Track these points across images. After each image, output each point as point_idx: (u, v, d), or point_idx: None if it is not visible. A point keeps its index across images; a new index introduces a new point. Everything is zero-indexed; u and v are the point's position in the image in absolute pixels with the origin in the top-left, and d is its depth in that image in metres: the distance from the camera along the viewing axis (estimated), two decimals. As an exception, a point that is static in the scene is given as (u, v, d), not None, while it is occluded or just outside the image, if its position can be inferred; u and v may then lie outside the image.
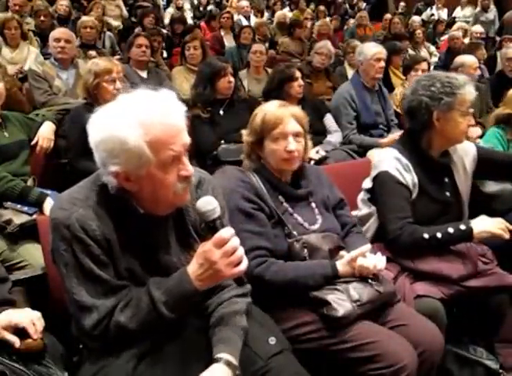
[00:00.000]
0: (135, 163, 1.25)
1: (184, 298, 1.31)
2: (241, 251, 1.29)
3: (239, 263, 1.29)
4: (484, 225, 2.00)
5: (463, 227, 2.00)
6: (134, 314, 1.30)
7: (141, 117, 1.24)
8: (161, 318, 1.30)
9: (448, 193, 2.18)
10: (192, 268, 1.31)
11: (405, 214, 2.05)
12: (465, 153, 2.25)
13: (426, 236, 2.00)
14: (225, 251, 1.27)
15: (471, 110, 2.12)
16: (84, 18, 5.31)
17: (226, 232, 1.29)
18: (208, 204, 1.31)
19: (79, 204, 1.31)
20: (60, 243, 1.30)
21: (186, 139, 1.32)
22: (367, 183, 2.23)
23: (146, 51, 4.27)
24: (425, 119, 2.10)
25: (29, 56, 4.55)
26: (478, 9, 9.43)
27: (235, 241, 1.29)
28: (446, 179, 2.20)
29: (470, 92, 2.08)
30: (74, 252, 1.29)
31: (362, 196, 2.28)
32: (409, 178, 2.10)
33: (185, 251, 1.43)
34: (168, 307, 1.30)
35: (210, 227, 1.30)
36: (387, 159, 2.14)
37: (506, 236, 1.97)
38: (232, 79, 3.42)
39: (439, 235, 2.00)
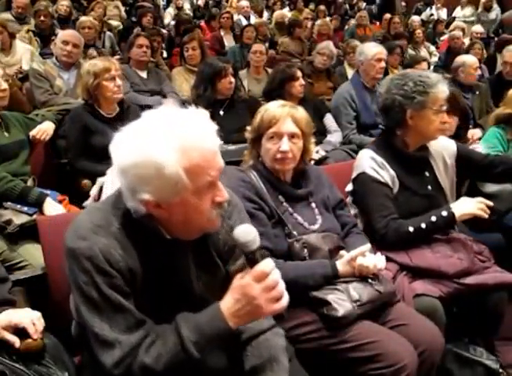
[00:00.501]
0: (169, 190, 1.15)
1: (216, 337, 1.19)
2: (282, 285, 1.20)
3: (279, 298, 1.19)
4: (464, 207, 2.08)
5: (444, 213, 2.06)
6: (160, 354, 1.18)
7: (179, 140, 1.13)
8: (190, 359, 1.18)
9: (429, 187, 2.21)
10: (227, 303, 1.19)
11: (388, 211, 2.08)
12: (444, 148, 2.29)
13: (411, 229, 2.04)
14: (267, 285, 1.16)
15: (444, 108, 2.15)
16: (82, 19, 5.30)
17: (267, 265, 1.18)
18: (248, 233, 1.19)
19: (101, 232, 1.20)
20: (81, 274, 1.19)
21: (222, 163, 1.22)
22: (349, 186, 2.26)
23: (146, 51, 4.28)
24: (399, 117, 2.14)
25: (24, 56, 4.50)
26: (480, 9, 9.39)
27: (276, 275, 1.19)
28: (427, 173, 2.23)
29: (442, 91, 2.12)
30: (97, 284, 1.18)
31: (347, 200, 2.29)
32: (386, 175, 2.13)
33: (206, 277, 1.35)
34: (198, 347, 1.18)
35: (249, 259, 1.19)
36: (363, 160, 2.18)
37: (486, 215, 2.04)
38: (232, 79, 3.42)
39: (423, 225, 2.05)
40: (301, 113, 1.92)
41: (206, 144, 1.17)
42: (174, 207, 1.18)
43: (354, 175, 2.22)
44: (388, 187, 2.13)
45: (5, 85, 2.64)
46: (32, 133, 2.79)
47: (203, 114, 1.22)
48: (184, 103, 4.04)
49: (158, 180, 1.13)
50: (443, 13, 10.93)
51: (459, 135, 2.76)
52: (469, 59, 4.41)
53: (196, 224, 1.24)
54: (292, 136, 1.87)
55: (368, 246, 1.82)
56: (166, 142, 1.13)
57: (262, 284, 1.16)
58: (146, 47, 4.29)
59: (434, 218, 2.06)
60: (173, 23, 8.63)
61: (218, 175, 1.22)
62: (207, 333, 1.18)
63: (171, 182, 1.14)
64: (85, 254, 1.18)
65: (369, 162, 2.15)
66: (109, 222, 1.23)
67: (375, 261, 1.79)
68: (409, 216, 2.09)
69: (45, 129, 2.86)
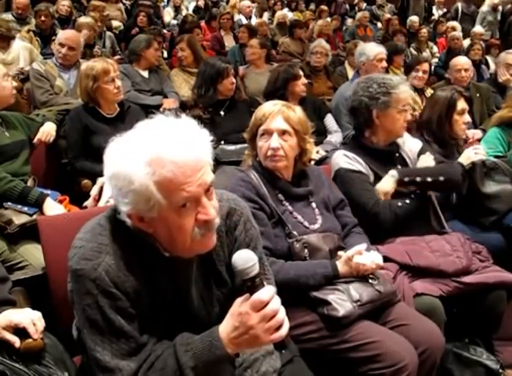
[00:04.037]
0: (143, 204, 1.11)
1: (214, 363, 1.16)
2: (282, 313, 1.14)
3: (279, 327, 1.14)
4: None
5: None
6: None
7: (150, 154, 1.09)
8: None
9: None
10: (226, 329, 1.16)
11: (373, 194, 2.19)
12: (412, 145, 2.45)
13: (399, 204, 2.17)
14: (264, 315, 1.11)
15: (407, 108, 2.32)
16: (80, 20, 5.29)
17: (266, 293, 1.12)
18: (246, 261, 1.13)
19: (105, 250, 1.18)
20: (85, 297, 1.16)
21: (206, 178, 1.14)
22: None
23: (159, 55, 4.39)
24: (366, 117, 2.31)
25: (21, 55, 4.46)
26: (487, 8, 9.28)
27: (275, 304, 1.13)
28: (399, 166, 2.34)
29: (404, 91, 2.30)
30: (101, 308, 1.16)
31: None
32: (360, 166, 2.25)
33: (211, 294, 1.34)
34: (196, 372, 1.16)
35: (247, 286, 1.13)
36: (337, 158, 2.30)
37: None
38: (234, 80, 3.42)
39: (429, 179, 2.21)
40: (294, 111, 1.92)
41: (182, 158, 1.10)
42: (155, 222, 1.16)
43: (332, 175, 2.30)
44: (365, 175, 2.24)
45: (14, 83, 2.64)
46: (37, 137, 2.80)
47: (191, 126, 1.17)
48: (184, 104, 4.06)
49: (131, 193, 1.11)
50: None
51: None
52: (461, 61, 4.25)
53: (181, 243, 1.18)
54: (282, 133, 1.87)
55: (364, 245, 1.82)
56: (137, 154, 1.09)
57: (260, 314, 1.12)
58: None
59: (442, 178, 2.23)
60: (173, 22, 8.65)
61: (201, 192, 1.14)
62: (205, 359, 1.16)
63: (142, 196, 1.10)
64: (90, 276, 1.15)
65: (343, 158, 2.28)
66: (111, 240, 1.20)
67: (372, 258, 1.79)
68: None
69: (48, 131, 2.87)
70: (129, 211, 1.14)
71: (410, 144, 2.44)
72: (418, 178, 2.22)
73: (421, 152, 2.41)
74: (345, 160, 2.27)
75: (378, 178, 2.26)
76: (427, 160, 2.33)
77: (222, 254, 1.34)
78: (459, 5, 9.74)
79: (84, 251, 1.18)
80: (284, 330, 1.15)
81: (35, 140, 2.80)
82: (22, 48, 4.52)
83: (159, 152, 1.09)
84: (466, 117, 2.74)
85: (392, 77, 2.34)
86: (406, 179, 2.21)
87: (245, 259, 1.13)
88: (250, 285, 1.13)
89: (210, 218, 1.17)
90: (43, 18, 5.36)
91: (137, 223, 1.17)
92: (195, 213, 1.15)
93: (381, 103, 2.26)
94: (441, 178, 2.24)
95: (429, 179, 2.22)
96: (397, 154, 2.38)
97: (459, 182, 2.38)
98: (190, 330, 1.24)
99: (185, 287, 1.29)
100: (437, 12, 10.89)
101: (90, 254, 1.17)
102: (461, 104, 2.74)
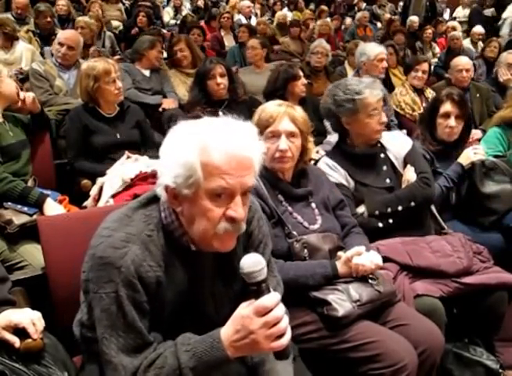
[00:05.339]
0: (184, 178, 1.17)
1: (214, 364, 1.17)
2: (285, 322, 1.13)
3: (281, 336, 1.13)
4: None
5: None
6: None
7: (205, 138, 1.17)
8: None
9: (388, 180, 2.28)
10: (228, 332, 1.16)
11: (352, 209, 2.14)
12: (401, 145, 2.35)
13: (380, 225, 2.16)
14: (266, 321, 1.11)
15: (377, 111, 2.23)
16: (77, 19, 5.30)
17: (270, 299, 1.12)
18: (255, 264, 1.12)
19: (132, 240, 1.20)
20: (105, 285, 1.18)
21: (247, 180, 1.20)
22: None
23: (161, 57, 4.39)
24: (337, 123, 2.30)
25: (24, 55, 4.47)
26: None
27: (279, 311, 1.12)
28: (384, 168, 2.30)
29: (371, 96, 2.20)
30: (119, 297, 1.18)
31: None
32: (338, 176, 2.22)
33: (224, 290, 1.36)
34: (196, 373, 1.17)
35: (252, 290, 1.13)
36: (319, 165, 2.28)
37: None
38: (220, 80, 3.34)
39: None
40: (298, 112, 1.93)
41: (232, 151, 1.17)
42: (186, 201, 1.20)
43: None
44: (344, 186, 2.20)
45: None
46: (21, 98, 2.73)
47: (251, 130, 1.24)
48: (182, 105, 4.06)
49: (178, 168, 1.17)
50: (445, 14, 10.93)
51: (462, 139, 2.76)
52: (461, 61, 4.22)
53: (203, 229, 1.21)
54: (290, 135, 1.87)
55: (363, 247, 1.82)
56: (195, 137, 1.18)
57: (262, 319, 1.11)
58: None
59: (412, 204, 2.19)
60: (172, 21, 8.65)
61: (239, 190, 1.19)
62: (205, 360, 1.16)
63: (186, 172, 1.16)
64: (116, 263, 1.17)
65: (324, 167, 2.25)
66: (140, 230, 1.23)
67: (371, 258, 1.79)
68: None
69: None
70: (169, 183, 1.19)
71: (394, 144, 2.35)
72: (389, 209, 2.17)
73: (409, 154, 2.32)
74: (325, 169, 2.23)
75: (360, 184, 2.23)
76: (409, 174, 2.27)
77: (238, 251, 1.34)
78: (423, 1, 10.06)
79: (113, 240, 1.20)
80: (285, 340, 1.14)
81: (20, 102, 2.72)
82: (25, 50, 4.55)
83: (213, 138, 1.17)
84: (451, 122, 2.61)
85: (359, 81, 2.26)
86: (377, 213, 2.16)
87: (253, 262, 1.12)
88: (256, 289, 1.12)
89: (237, 216, 1.20)
90: (49, 19, 5.36)
91: (170, 199, 1.22)
92: (225, 207, 1.19)
93: (347, 110, 2.21)
94: (412, 204, 2.19)
95: (400, 208, 2.17)
96: (382, 155, 2.32)
97: (433, 199, 2.31)
98: (197, 329, 1.24)
99: (200, 281, 1.31)
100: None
101: (118, 244, 1.19)
102: (445, 107, 2.64)
